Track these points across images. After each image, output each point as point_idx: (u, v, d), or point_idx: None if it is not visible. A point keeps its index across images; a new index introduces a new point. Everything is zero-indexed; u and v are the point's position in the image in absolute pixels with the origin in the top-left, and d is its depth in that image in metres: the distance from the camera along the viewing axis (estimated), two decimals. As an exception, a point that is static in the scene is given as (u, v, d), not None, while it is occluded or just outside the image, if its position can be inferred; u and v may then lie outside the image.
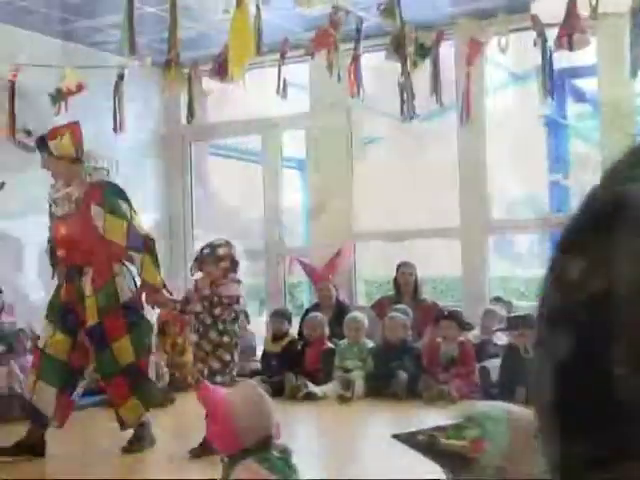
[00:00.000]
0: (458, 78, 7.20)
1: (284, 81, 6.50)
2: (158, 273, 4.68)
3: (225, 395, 2.71)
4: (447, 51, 6.91)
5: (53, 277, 4.81)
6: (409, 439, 2.30)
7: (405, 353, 6.44)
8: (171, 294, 4.86)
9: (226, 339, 4.65)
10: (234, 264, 4.77)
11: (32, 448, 4.64)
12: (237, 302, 4.74)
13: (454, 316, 6.59)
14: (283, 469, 2.62)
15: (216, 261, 4.72)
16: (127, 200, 4.68)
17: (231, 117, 9.84)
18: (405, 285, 7.46)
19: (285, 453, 2.69)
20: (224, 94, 9.20)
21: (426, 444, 2.25)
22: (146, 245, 4.62)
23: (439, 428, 2.28)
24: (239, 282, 4.80)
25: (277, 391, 5.93)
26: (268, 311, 8.24)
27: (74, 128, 4.76)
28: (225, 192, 11.38)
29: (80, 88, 6.09)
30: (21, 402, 5.73)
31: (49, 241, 4.91)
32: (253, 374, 6.72)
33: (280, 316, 7.14)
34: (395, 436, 2.29)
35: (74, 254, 4.65)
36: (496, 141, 8.22)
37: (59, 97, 6.08)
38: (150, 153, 8.91)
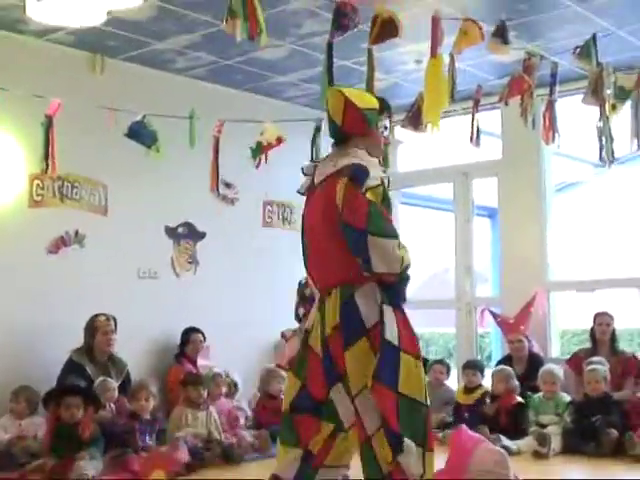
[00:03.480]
0: (659, 121, 6.89)
1: (477, 129, 6.46)
2: None
3: (470, 452, 2.59)
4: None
5: (300, 317, 3.84)
6: None
7: (608, 407, 6.14)
8: None
9: None
10: None
11: None
12: None
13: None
14: None
15: None
16: None
17: (421, 166, 9.89)
18: (602, 335, 7.16)
19: None
20: (414, 142, 9.27)
21: None
22: None
23: None
24: None
25: (472, 444, 5.79)
26: (458, 362, 8.12)
27: None
28: (416, 240, 11.41)
29: (280, 141, 6.29)
30: (219, 447, 5.93)
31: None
32: (444, 426, 6.62)
33: (473, 367, 7.00)
34: None
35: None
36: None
37: (259, 150, 6.30)
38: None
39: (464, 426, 2.77)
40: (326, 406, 3.24)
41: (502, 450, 2.73)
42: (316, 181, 3.43)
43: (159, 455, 2.29)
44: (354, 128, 3.43)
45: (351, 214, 3.18)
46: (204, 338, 7.15)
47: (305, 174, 3.54)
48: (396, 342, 3.14)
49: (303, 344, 3.32)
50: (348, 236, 3.20)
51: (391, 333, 3.14)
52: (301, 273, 8.54)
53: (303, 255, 3.55)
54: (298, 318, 3.93)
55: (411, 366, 3.16)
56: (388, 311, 3.19)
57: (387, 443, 3.08)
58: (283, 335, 4.05)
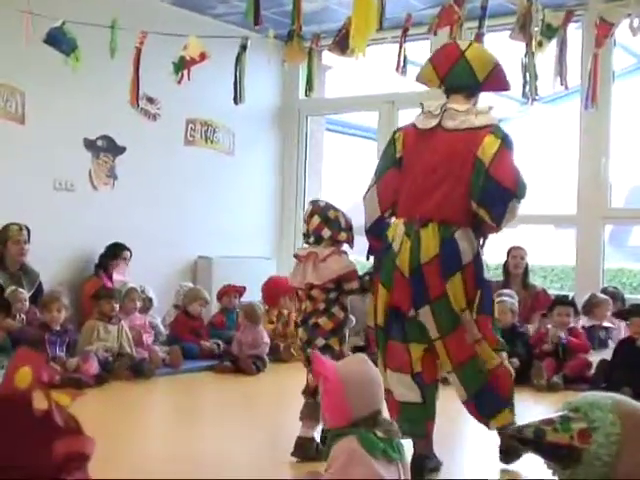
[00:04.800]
0: (584, 61, 6.98)
1: (404, 58, 6.44)
2: None
3: (336, 368, 2.68)
4: (573, 33, 6.70)
5: (324, 238, 3.93)
6: (515, 434, 2.24)
7: (515, 338, 6.33)
8: None
9: None
10: None
11: None
12: None
13: (572, 302, 6.53)
14: (384, 450, 2.60)
15: None
16: None
17: (348, 93, 9.86)
18: (515, 269, 7.35)
19: (390, 433, 2.66)
20: (343, 69, 9.23)
21: (533, 438, 2.19)
22: None
23: (546, 422, 2.21)
24: None
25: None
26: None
27: None
28: (339, 167, 11.42)
29: (203, 57, 6.15)
30: (130, 361, 5.94)
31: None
32: (356, 349, 6.73)
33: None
34: (501, 432, 2.24)
35: None
36: (620, 128, 7.97)
37: (182, 65, 6.17)
38: (267, 124, 9.02)
39: (316, 352, 2.89)
40: (410, 325, 3.65)
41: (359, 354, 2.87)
42: (448, 125, 3.67)
43: (25, 352, 2.24)
44: (490, 88, 3.87)
45: (505, 174, 3.54)
46: (130, 255, 7.13)
47: (430, 113, 3.74)
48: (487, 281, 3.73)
49: (390, 261, 3.65)
50: (489, 189, 3.54)
51: (485, 273, 3.70)
52: (221, 192, 8.55)
53: (378, 179, 3.83)
54: (319, 239, 3.96)
55: None
56: (481, 256, 3.68)
57: (491, 349, 3.68)
58: (297, 256, 4.09)
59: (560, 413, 2.26)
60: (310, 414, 3.87)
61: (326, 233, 3.94)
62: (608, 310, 6.73)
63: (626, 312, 6.25)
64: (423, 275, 3.59)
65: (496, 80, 3.79)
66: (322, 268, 3.90)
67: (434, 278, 3.58)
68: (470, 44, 3.87)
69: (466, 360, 3.66)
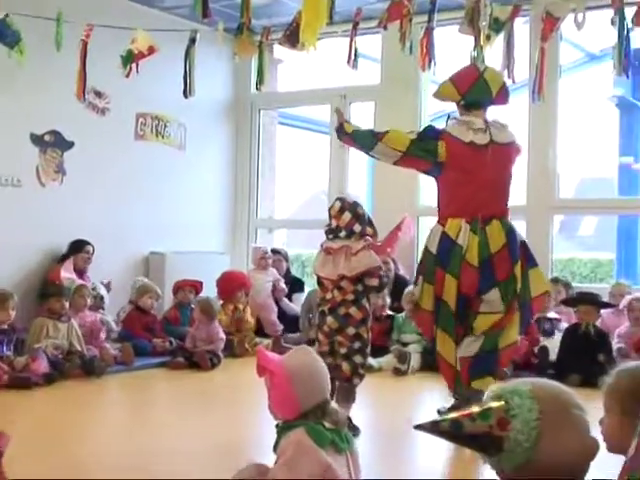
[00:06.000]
0: (532, 55, 7.05)
1: (355, 52, 6.45)
2: None
3: (282, 360, 2.72)
4: (521, 27, 6.76)
5: (355, 232, 4.25)
6: (432, 428, 2.25)
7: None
8: None
9: None
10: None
11: None
12: None
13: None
14: (332, 440, 2.64)
15: None
16: None
17: (301, 86, 9.86)
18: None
19: (338, 423, 2.70)
20: (295, 63, 9.23)
21: (450, 430, 2.21)
22: None
23: (465, 413, 2.24)
24: None
25: (334, 361, 5.93)
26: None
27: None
28: (292, 161, 11.42)
29: (151, 51, 6.10)
30: (80, 359, 5.87)
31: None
32: (310, 343, 6.74)
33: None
34: (417, 427, 2.25)
35: None
36: (567, 121, 8.09)
37: (130, 59, 6.11)
38: (219, 118, 8.97)
39: (260, 347, 2.95)
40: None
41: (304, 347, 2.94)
42: (500, 139, 4.41)
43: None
44: (497, 103, 4.56)
45: None
46: (93, 251, 7.08)
47: (481, 129, 4.36)
48: None
49: (458, 256, 4.27)
50: None
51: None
52: (173, 187, 8.47)
53: (406, 154, 4.46)
54: (350, 233, 4.25)
55: None
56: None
57: (519, 325, 4.44)
58: (327, 249, 4.32)
59: (480, 402, 2.29)
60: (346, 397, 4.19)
61: (357, 228, 4.25)
62: (553, 301, 6.83)
63: (574, 300, 6.40)
64: (493, 263, 4.28)
65: (503, 97, 4.56)
66: (354, 261, 4.18)
67: (503, 264, 4.30)
68: (486, 67, 4.68)
69: (500, 327, 4.34)
